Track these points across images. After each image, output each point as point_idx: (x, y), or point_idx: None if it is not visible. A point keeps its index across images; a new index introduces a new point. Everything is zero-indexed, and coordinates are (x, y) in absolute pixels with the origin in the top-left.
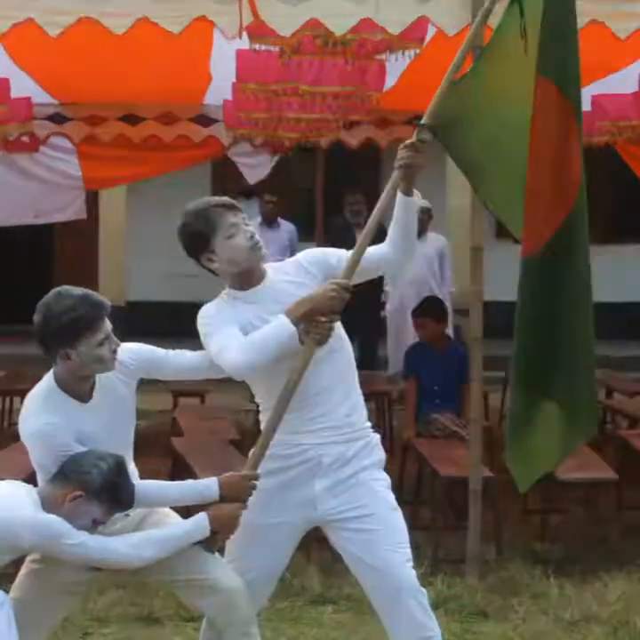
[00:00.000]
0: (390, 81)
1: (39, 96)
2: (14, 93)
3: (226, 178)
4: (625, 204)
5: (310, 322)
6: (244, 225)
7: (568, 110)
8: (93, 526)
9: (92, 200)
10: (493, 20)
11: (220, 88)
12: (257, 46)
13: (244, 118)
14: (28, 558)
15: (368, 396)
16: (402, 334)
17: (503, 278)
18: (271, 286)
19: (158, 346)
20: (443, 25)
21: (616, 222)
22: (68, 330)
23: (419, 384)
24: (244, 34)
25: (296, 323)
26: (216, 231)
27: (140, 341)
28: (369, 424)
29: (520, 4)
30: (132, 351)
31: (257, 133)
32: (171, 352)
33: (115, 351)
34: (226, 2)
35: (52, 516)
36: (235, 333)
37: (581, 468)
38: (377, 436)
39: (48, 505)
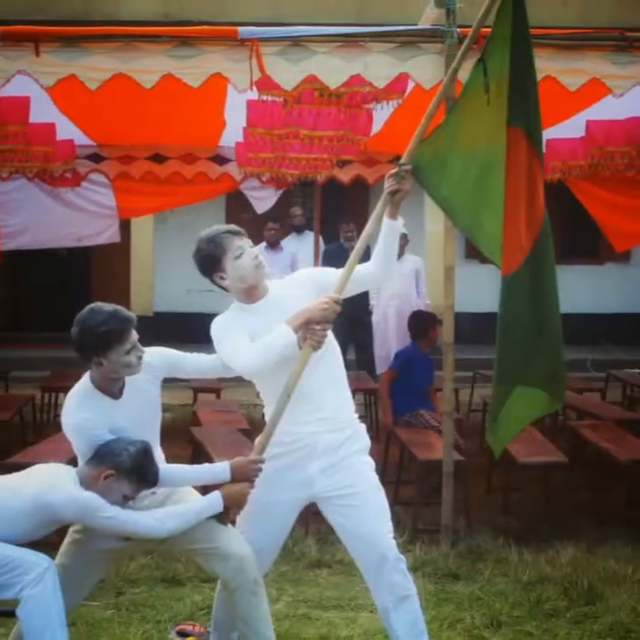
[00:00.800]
0: (376, 126)
1: (80, 139)
2: (59, 136)
3: (238, 208)
4: (573, 230)
5: (307, 330)
6: (249, 248)
7: (534, 155)
8: (124, 501)
9: (125, 227)
10: (464, 76)
11: (233, 132)
12: (264, 97)
13: (253, 158)
14: (71, 529)
15: (356, 392)
16: (386, 340)
17: (471, 292)
18: (273, 299)
19: (180, 349)
20: (420, 80)
21: (565, 245)
22: (100, 341)
23: (409, 382)
24: (254, 87)
25: (295, 331)
26: (226, 254)
27: (164, 345)
28: (356, 415)
29: (484, 65)
30: (157, 354)
31: (264, 171)
32: (190, 355)
33: (140, 357)
34: (238, 60)
35: (89, 493)
36: (243, 340)
37: (537, 452)
38: (363, 426)
39: (85, 483)
